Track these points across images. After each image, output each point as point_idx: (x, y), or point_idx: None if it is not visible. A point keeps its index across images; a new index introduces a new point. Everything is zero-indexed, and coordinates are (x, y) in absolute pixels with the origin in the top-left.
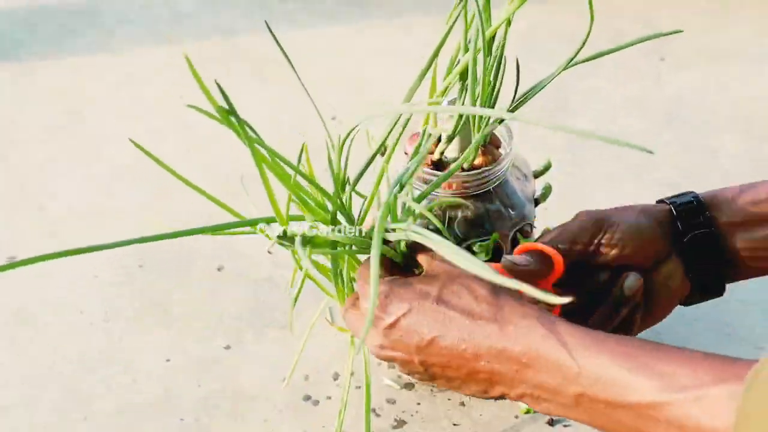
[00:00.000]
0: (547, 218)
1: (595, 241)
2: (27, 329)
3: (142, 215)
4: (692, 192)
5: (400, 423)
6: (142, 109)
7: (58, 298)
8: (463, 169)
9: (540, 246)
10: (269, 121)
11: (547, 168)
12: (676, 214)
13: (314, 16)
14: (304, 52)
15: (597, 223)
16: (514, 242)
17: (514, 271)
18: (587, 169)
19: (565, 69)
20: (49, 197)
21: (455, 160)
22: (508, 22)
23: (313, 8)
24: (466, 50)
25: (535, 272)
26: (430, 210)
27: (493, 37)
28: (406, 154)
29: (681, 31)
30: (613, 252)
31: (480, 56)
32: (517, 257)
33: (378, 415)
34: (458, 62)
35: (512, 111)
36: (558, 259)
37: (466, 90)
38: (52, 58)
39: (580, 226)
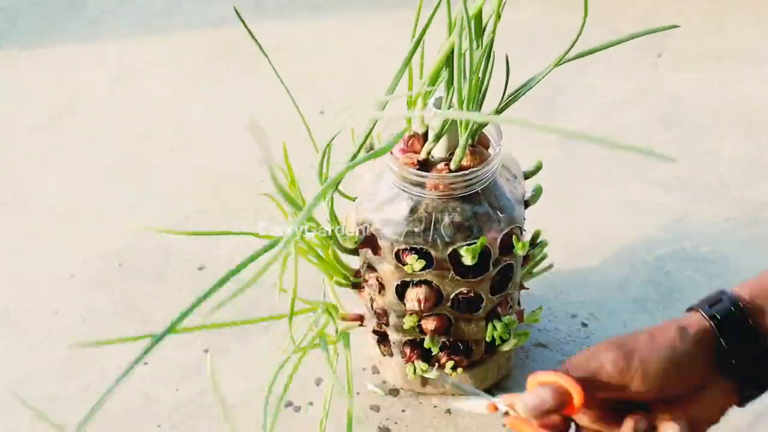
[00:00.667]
0: (537, 221)
1: (626, 379)
2: (6, 334)
3: (123, 216)
4: (723, 291)
5: (384, 430)
6: (132, 108)
7: (40, 301)
8: (450, 170)
9: (559, 380)
10: (261, 113)
11: (538, 169)
12: (718, 330)
13: (312, 9)
14: (303, 44)
15: (626, 358)
16: (503, 247)
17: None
18: (581, 168)
19: (556, 65)
20: (30, 197)
21: (442, 159)
22: (498, 16)
23: (310, 1)
24: (451, 32)
25: (551, 410)
26: (417, 212)
27: (482, 29)
28: (391, 154)
29: (678, 26)
30: (645, 389)
31: (465, 39)
32: (530, 398)
33: (362, 423)
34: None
35: (501, 110)
36: (578, 393)
37: (453, 87)
38: (35, 48)
39: (610, 361)
